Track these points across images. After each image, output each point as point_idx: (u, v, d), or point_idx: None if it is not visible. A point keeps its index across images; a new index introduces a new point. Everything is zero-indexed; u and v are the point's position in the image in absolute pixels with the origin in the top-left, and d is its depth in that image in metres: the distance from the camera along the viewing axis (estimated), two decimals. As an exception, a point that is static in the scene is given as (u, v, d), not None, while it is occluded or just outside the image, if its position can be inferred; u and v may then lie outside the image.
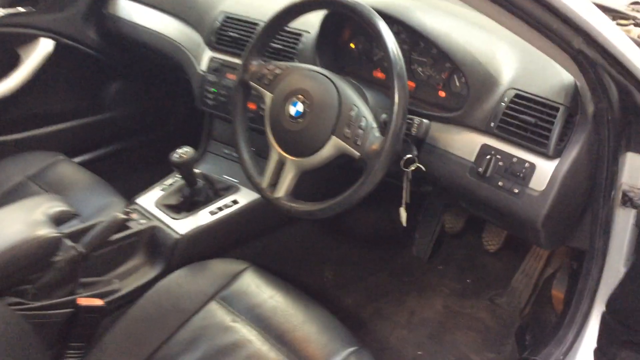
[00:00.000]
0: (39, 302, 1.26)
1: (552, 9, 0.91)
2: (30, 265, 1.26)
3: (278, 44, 1.50)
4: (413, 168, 1.23)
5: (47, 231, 1.24)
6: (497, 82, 1.21)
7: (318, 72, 1.21)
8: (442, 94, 1.33)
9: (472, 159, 1.22)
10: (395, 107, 1.07)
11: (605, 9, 1.77)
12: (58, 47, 1.95)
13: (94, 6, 2.02)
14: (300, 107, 1.18)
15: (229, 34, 1.61)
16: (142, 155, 2.21)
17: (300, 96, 1.18)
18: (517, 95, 1.18)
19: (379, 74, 1.45)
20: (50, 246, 1.25)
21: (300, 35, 1.49)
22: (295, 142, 1.19)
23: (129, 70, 2.16)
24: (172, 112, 2.27)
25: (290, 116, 1.19)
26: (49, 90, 1.99)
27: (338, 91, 1.16)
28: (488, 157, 1.19)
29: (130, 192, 1.64)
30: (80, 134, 2.08)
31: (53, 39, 1.94)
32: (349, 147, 1.12)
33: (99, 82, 2.12)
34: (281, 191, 1.22)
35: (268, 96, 1.25)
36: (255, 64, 1.30)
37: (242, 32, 1.59)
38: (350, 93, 1.16)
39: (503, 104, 1.19)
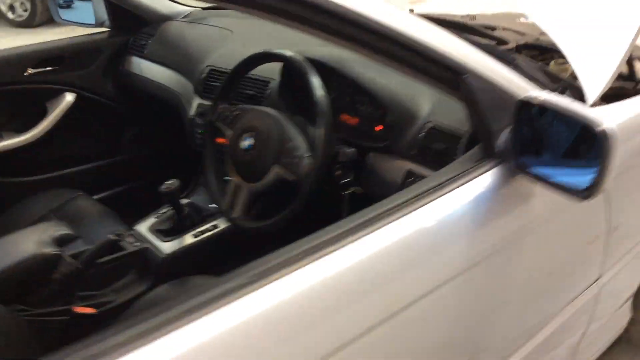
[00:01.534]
0: (40, 309, 1.51)
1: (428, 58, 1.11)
2: (34, 278, 1.52)
3: (250, 90, 1.76)
4: (349, 191, 1.45)
5: (49, 250, 1.51)
6: (417, 117, 1.42)
7: (266, 112, 1.45)
8: (379, 127, 1.55)
9: (400, 181, 1.43)
10: (319, 139, 1.31)
11: (549, 50, 1.97)
12: (79, 99, 2.26)
13: (111, 64, 2.34)
14: (250, 141, 1.42)
15: (213, 84, 1.88)
16: (153, 192, 2.48)
17: (251, 132, 1.43)
18: (432, 127, 1.39)
19: (346, 117, 1.67)
20: (50, 262, 1.51)
21: (268, 82, 1.75)
22: (246, 170, 1.44)
23: (141, 117, 2.45)
24: (178, 153, 2.54)
25: (243, 149, 1.43)
26: (71, 136, 2.29)
27: (280, 127, 1.40)
28: (411, 179, 1.40)
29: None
30: (99, 174, 2.37)
31: (75, 92, 2.26)
32: (287, 172, 1.36)
33: (116, 128, 2.42)
34: (237, 211, 1.45)
35: (228, 133, 1.50)
36: (221, 107, 1.56)
37: (223, 81, 1.86)
38: (290, 129, 1.40)
39: (421, 134, 1.40)
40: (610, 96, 1.60)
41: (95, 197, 2.25)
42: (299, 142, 1.37)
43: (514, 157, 1.13)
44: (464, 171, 1.13)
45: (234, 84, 1.58)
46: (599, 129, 0.98)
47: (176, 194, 1.71)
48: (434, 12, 2.54)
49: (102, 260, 1.63)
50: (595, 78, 1.48)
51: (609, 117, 1.31)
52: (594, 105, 1.46)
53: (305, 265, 0.86)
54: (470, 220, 1.10)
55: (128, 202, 2.39)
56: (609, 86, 1.46)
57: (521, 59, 1.61)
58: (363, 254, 0.93)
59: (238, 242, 1.86)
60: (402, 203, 1.04)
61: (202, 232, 1.77)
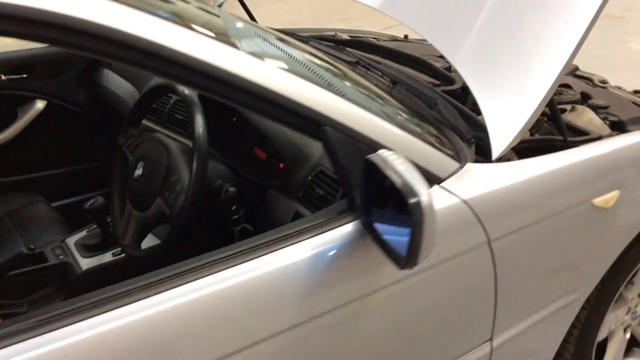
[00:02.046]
0: (-52, 315, 1.57)
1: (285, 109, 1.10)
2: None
3: (180, 114, 1.78)
4: (239, 228, 1.44)
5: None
6: (309, 158, 1.41)
7: (160, 142, 1.46)
8: (281, 165, 1.54)
9: (288, 222, 1.41)
10: (192, 176, 1.31)
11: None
12: (50, 106, 2.34)
13: (84, 74, 2.41)
14: (141, 170, 1.44)
15: (152, 105, 1.90)
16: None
17: (142, 161, 1.45)
18: (321, 171, 1.37)
19: (258, 151, 1.67)
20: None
21: (197, 108, 1.76)
22: (136, 199, 1.45)
23: (110, 128, 2.50)
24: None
25: (135, 177, 1.45)
26: (39, 142, 2.37)
27: (169, 159, 1.41)
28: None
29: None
30: (64, 181, 2.44)
31: (46, 99, 2.34)
32: (165, 206, 1.36)
33: (85, 137, 2.48)
34: (127, 239, 1.47)
35: (130, 159, 1.52)
36: (130, 132, 1.58)
37: (159, 103, 1.88)
38: (179, 161, 1.41)
39: (310, 177, 1.38)
40: (534, 149, 1.54)
41: (58, 203, 2.32)
42: (183, 176, 1.37)
43: (361, 213, 1.11)
44: (320, 222, 1.12)
45: (141, 112, 1.60)
46: (412, 201, 0.94)
47: (99, 211, 1.74)
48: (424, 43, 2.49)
49: (16, 272, 1.69)
50: (505, 129, 1.42)
51: (461, 188, 1.26)
52: (500, 159, 1.41)
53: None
54: (312, 273, 1.08)
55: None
56: (518, 140, 1.40)
57: (444, 104, 1.57)
58: (188, 298, 0.97)
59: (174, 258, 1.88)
60: (245, 250, 1.04)
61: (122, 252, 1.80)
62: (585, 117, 1.77)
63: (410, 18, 1.70)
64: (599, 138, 1.61)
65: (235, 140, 1.66)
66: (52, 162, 2.43)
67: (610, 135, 1.67)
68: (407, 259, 0.98)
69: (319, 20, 6.47)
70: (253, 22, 1.84)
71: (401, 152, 1.17)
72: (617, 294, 1.75)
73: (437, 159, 1.27)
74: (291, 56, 1.40)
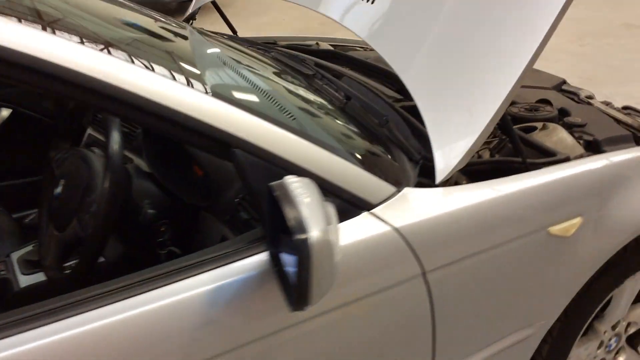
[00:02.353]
0: None
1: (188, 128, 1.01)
2: None
3: (126, 128, 1.70)
4: (165, 251, 1.35)
5: None
6: (237, 180, 1.31)
7: (85, 158, 1.38)
8: (214, 185, 1.44)
9: (215, 247, 1.32)
10: (105, 195, 1.22)
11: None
12: (14, 115, 2.28)
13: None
14: (60, 188, 1.35)
15: (99, 115, 1.83)
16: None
17: (64, 179, 1.36)
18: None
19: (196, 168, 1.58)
20: None
21: (140, 122, 1.68)
22: (56, 219, 1.37)
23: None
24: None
25: (55, 195, 1.37)
26: (2, 151, 2.30)
27: (89, 177, 1.33)
28: None
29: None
30: (26, 191, 2.37)
31: (11, 107, 2.27)
32: (80, 228, 1.28)
33: (53, 145, 2.41)
34: (48, 259, 1.39)
35: (55, 174, 1.44)
36: (60, 146, 1.50)
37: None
38: (98, 180, 1.32)
39: (237, 200, 1.29)
40: (490, 171, 1.43)
41: (19, 214, 2.26)
42: (98, 196, 1.29)
43: (269, 242, 1.02)
44: (228, 252, 1.03)
45: (70, 126, 1.53)
46: (298, 237, 0.85)
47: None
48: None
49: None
50: (451, 150, 1.32)
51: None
52: (447, 183, 1.30)
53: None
54: (208, 309, 1.00)
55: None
56: (464, 162, 1.29)
57: (397, 122, 1.48)
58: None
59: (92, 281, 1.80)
60: (138, 282, 0.97)
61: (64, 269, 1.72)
62: (555, 137, 1.65)
63: (361, 28, 1.60)
64: (566, 159, 1.49)
65: (175, 156, 1.58)
66: (16, 172, 2.36)
67: (581, 157, 1.55)
68: (295, 299, 0.88)
69: (326, 27, 6.36)
70: (206, 34, 1.75)
71: (326, 175, 1.10)
72: (584, 327, 1.62)
73: (369, 183, 1.17)
74: (221, 73, 1.31)
